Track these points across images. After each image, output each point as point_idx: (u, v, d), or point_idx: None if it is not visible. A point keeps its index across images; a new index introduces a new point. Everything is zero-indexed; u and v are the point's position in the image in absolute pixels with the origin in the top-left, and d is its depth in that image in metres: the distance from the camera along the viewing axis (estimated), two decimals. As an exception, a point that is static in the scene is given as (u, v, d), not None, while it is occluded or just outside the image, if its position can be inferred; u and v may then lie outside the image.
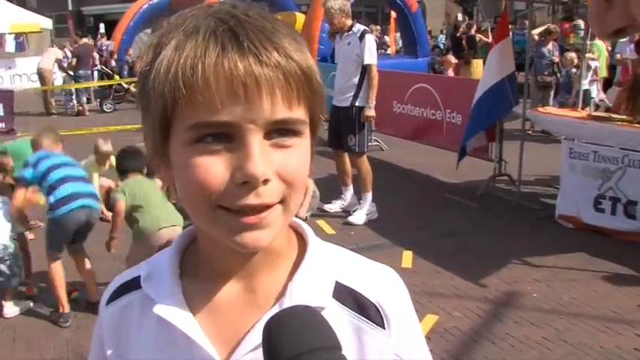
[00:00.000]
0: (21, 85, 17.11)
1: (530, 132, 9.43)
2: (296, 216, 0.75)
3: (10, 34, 18.47)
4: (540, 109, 7.31)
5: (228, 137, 0.64)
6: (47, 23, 19.26)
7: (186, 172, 0.65)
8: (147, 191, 3.99)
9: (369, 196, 5.98)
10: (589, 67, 9.03)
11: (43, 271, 4.32)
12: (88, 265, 4.23)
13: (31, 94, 14.96)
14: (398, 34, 17.81)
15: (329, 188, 6.36)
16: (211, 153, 0.64)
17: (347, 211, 6.12)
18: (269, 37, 0.64)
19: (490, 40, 12.03)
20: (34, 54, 18.02)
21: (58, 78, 15.02)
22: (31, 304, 4.33)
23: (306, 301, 0.68)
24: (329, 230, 5.72)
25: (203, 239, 0.75)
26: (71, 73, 14.34)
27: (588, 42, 7.82)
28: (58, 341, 3.88)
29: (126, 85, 14.66)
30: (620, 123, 5.60)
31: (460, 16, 17.78)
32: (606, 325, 3.88)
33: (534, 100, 9.83)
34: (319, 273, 0.75)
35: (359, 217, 5.94)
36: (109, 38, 19.38)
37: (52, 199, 3.91)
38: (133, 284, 0.79)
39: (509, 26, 7.71)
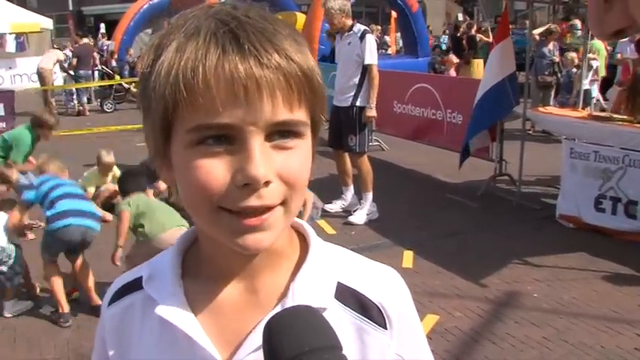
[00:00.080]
0: (21, 85, 17.12)
1: (530, 132, 9.43)
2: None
3: (10, 34, 18.49)
4: (541, 109, 7.30)
5: (229, 139, 0.64)
6: (48, 23, 19.28)
7: (187, 173, 0.65)
8: (150, 202, 4.24)
9: (370, 196, 5.98)
10: (590, 67, 9.03)
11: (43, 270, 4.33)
12: (86, 270, 4.22)
13: (31, 94, 14.95)
14: (398, 34, 17.78)
15: (329, 188, 6.36)
16: (212, 155, 0.64)
17: (347, 211, 6.12)
18: (270, 39, 0.63)
19: (490, 39, 12.04)
20: (34, 54, 18.04)
21: (58, 78, 15.03)
22: (32, 304, 4.33)
23: (308, 301, 0.68)
24: (329, 230, 5.71)
25: (205, 240, 0.75)
26: (72, 73, 14.34)
27: (589, 42, 7.81)
28: (58, 341, 3.88)
29: (126, 85, 14.67)
30: (620, 123, 5.60)
31: (460, 16, 17.80)
32: (607, 325, 3.88)
33: (535, 100, 9.83)
34: (321, 273, 0.75)
35: (359, 217, 5.94)
36: (109, 38, 19.38)
37: (49, 213, 4.03)
38: (135, 285, 0.79)
39: (510, 26, 7.70)
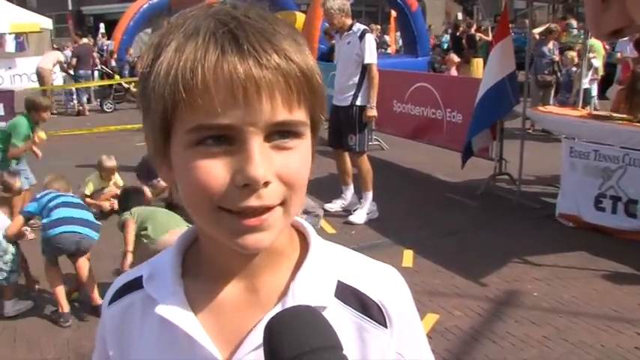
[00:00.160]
0: (21, 85, 17.06)
1: (530, 131, 9.42)
2: None
3: (10, 34, 18.47)
4: (541, 108, 7.30)
5: (228, 140, 0.64)
6: (47, 23, 19.27)
7: (187, 174, 0.65)
8: (151, 209, 4.35)
9: (370, 195, 5.98)
10: (590, 66, 9.02)
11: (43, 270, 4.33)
12: (86, 269, 4.21)
13: (30, 94, 14.92)
14: (398, 34, 17.78)
15: (329, 188, 6.37)
16: (212, 155, 0.64)
17: (347, 211, 6.12)
18: (269, 39, 0.63)
19: (490, 38, 12.03)
20: (34, 54, 18.02)
21: (58, 78, 15.01)
22: (32, 304, 4.33)
23: (309, 300, 0.69)
24: (330, 229, 5.72)
25: (205, 239, 0.75)
26: (71, 72, 14.34)
27: (588, 41, 7.80)
28: (58, 341, 3.88)
29: (126, 85, 14.66)
30: (620, 122, 5.60)
31: (460, 15, 17.79)
32: (607, 324, 3.88)
33: (535, 99, 9.82)
34: (321, 272, 0.75)
35: (359, 217, 5.94)
36: (109, 38, 19.37)
37: (45, 220, 4.10)
38: (135, 284, 0.79)
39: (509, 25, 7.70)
